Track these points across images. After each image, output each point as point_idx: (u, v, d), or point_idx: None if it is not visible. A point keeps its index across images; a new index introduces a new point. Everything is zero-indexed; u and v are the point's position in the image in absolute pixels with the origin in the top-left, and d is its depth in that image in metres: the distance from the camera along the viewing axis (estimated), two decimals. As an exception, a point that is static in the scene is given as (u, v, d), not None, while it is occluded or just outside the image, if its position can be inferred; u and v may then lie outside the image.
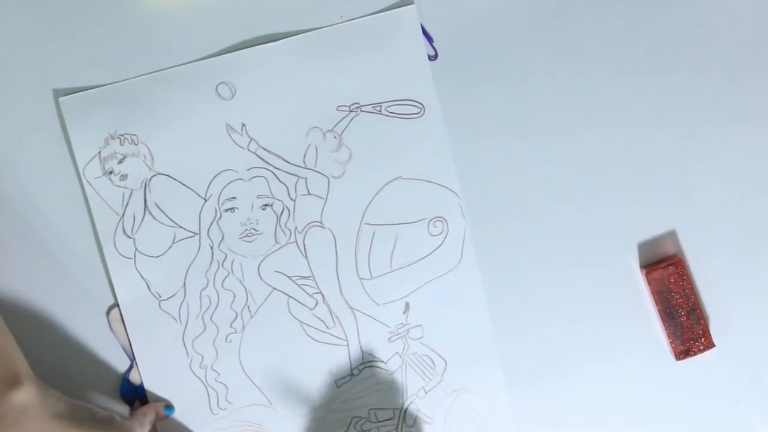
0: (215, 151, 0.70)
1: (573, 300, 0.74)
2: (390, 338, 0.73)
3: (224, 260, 0.71)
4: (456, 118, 0.72)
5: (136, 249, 0.70)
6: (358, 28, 0.70)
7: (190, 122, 0.70)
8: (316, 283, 0.72)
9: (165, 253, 0.70)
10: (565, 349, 0.74)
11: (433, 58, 0.72)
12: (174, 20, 0.70)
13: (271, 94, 0.70)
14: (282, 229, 0.71)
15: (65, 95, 0.69)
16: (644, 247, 0.74)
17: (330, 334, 0.72)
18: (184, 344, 0.71)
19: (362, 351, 0.72)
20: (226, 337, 0.71)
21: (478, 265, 0.73)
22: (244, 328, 0.71)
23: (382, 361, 0.73)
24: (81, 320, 0.71)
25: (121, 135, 0.69)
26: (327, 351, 0.72)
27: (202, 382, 0.71)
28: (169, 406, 0.71)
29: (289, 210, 0.71)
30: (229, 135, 0.70)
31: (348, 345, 0.72)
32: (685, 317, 0.73)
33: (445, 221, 0.72)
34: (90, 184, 0.69)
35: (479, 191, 0.73)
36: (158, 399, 0.71)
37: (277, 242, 0.71)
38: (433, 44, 0.72)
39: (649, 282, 0.73)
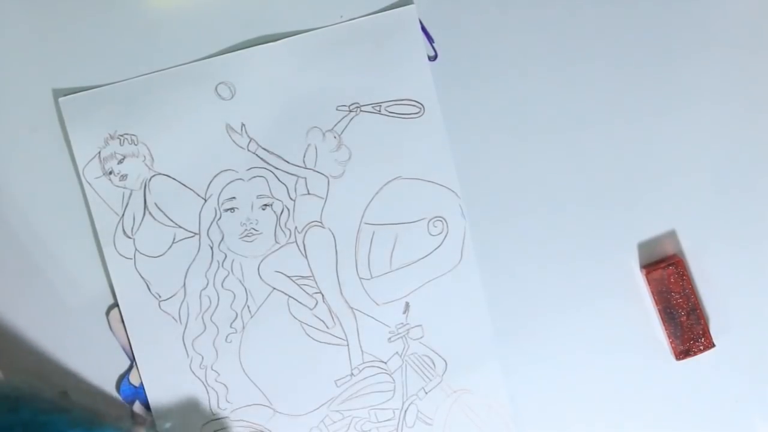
0: (215, 151, 0.70)
1: (573, 300, 0.74)
2: (390, 338, 0.73)
3: (224, 260, 0.71)
4: (456, 118, 0.72)
5: (136, 249, 0.70)
6: (358, 28, 0.70)
7: (190, 122, 0.70)
8: (315, 283, 0.72)
9: (165, 253, 0.70)
10: (565, 349, 0.74)
11: (433, 58, 0.72)
12: (174, 20, 0.70)
13: (270, 94, 0.70)
14: (282, 229, 0.71)
15: (65, 95, 0.69)
16: (644, 247, 0.74)
17: (330, 334, 0.72)
18: (184, 344, 0.71)
19: (362, 351, 0.72)
20: (226, 337, 0.71)
21: (478, 265, 0.73)
22: (244, 328, 0.71)
23: (382, 361, 0.73)
24: (81, 320, 0.71)
25: (121, 135, 0.69)
26: (327, 351, 0.72)
27: (202, 382, 0.71)
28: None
29: (288, 210, 0.71)
30: (229, 135, 0.70)
31: (348, 345, 0.72)
32: (685, 317, 0.73)
33: (445, 221, 0.72)
34: (90, 184, 0.69)
35: (479, 191, 0.73)
36: (158, 399, 0.71)
37: (276, 242, 0.71)
38: (433, 44, 0.72)
39: (649, 282, 0.73)
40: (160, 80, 0.69)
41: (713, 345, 0.73)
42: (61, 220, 0.70)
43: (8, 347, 0.69)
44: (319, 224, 0.71)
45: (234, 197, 0.71)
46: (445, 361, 0.73)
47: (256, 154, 0.70)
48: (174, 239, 0.70)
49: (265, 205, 0.71)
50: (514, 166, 0.73)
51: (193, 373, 0.71)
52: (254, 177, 0.70)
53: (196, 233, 0.71)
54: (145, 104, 0.69)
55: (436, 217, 0.72)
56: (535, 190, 0.73)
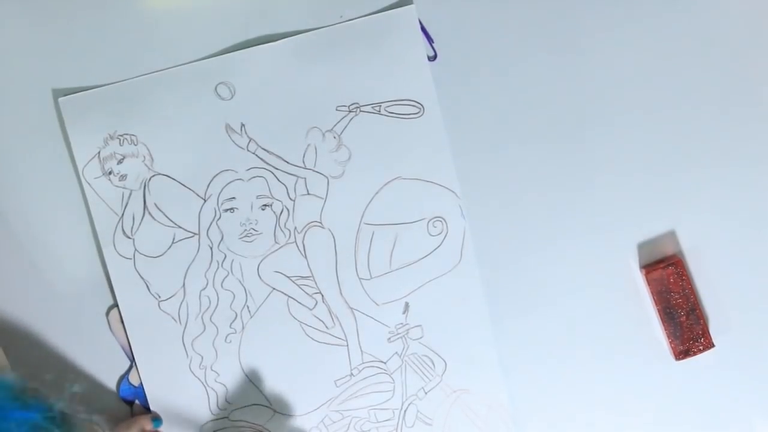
0: (215, 152, 0.70)
1: (573, 300, 0.74)
2: (390, 338, 0.73)
3: (224, 260, 0.71)
4: (456, 118, 0.72)
5: (136, 249, 0.70)
6: (357, 28, 0.70)
7: (190, 122, 0.70)
8: (315, 283, 0.72)
9: (164, 253, 0.70)
10: (564, 349, 0.74)
11: (432, 58, 0.72)
12: (174, 20, 0.70)
13: (270, 94, 0.70)
14: (281, 229, 0.71)
15: (65, 95, 0.69)
16: (644, 247, 0.74)
17: (329, 334, 0.72)
18: (184, 345, 0.71)
19: (362, 351, 0.72)
20: (226, 337, 0.71)
21: (478, 265, 0.73)
22: (243, 328, 0.71)
23: (382, 361, 0.73)
24: (81, 320, 0.71)
25: (121, 135, 0.69)
26: (327, 351, 0.72)
27: (202, 382, 0.71)
28: (157, 418, 0.71)
29: (288, 210, 0.71)
30: (229, 135, 0.70)
31: (347, 345, 0.72)
32: (684, 317, 0.73)
33: (445, 221, 0.72)
34: (89, 184, 0.69)
35: (479, 191, 0.73)
36: (158, 399, 0.71)
37: (276, 242, 0.71)
38: (433, 44, 0.71)
39: (649, 282, 0.73)
40: (160, 80, 0.69)
41: (713, 345, 0.73)
42: (61, 220, 0.70)
43: (8, 347, 0.69)
44: (319, 224, 0.71)
45: (234, 197, 0.70)
46: (444, 361, 0.73)
47: (256, 154, 0.70)
48: (173, 239, 0.70)
49: (265, 205, 0.71)
50: (514, 166, 0.73)
51: (193, 373, 0.71)
52: (254, 177, 0.70)
53: (195, 233, 0.71)
54: (144, 104, 0.69)
55: (435, 217, 0.72)
56: (534, 190, 0.73)
